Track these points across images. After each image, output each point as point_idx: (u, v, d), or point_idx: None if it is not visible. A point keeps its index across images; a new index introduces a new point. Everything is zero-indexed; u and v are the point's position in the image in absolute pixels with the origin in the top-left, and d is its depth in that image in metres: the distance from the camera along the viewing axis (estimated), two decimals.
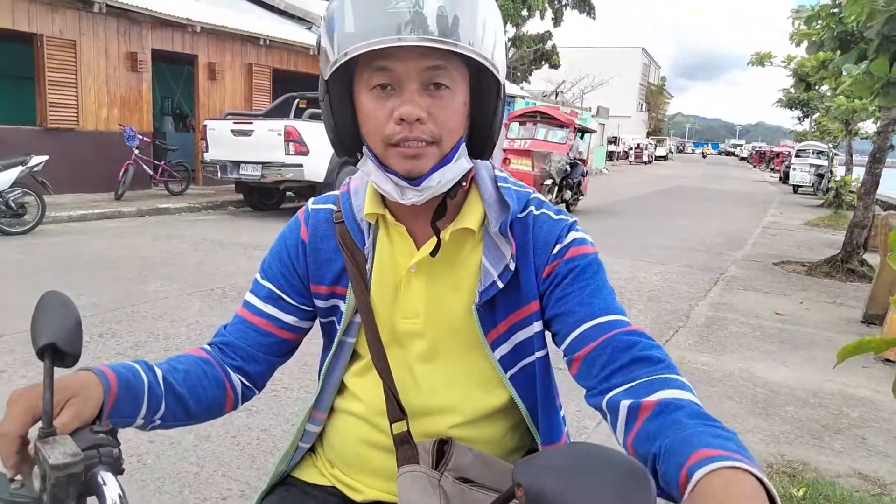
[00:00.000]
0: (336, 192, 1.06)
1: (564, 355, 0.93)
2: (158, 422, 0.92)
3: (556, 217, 0.99)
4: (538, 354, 0.98)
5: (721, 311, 5.86)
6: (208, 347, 1.04)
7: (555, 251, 0.95)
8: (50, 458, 0.66)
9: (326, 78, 0.87)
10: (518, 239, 0.96)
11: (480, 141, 0.93)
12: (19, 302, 4.72)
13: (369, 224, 1.00)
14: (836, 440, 3.33)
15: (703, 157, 72.82)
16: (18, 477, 0.74)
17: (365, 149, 0.91)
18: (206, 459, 2.74)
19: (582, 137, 14.91)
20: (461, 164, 0.90)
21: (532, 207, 0.99)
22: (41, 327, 0.75)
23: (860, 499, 2.57)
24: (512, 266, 0.95)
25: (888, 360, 4.55)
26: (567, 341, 0.92)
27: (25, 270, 5.94)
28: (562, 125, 13.86)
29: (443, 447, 0.96)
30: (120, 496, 0.69)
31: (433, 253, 0.95)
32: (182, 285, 5.56)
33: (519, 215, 0.97)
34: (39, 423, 0.72)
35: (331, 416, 1.08)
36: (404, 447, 0.96)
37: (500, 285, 0.95)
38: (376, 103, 0.85)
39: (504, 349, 0.98)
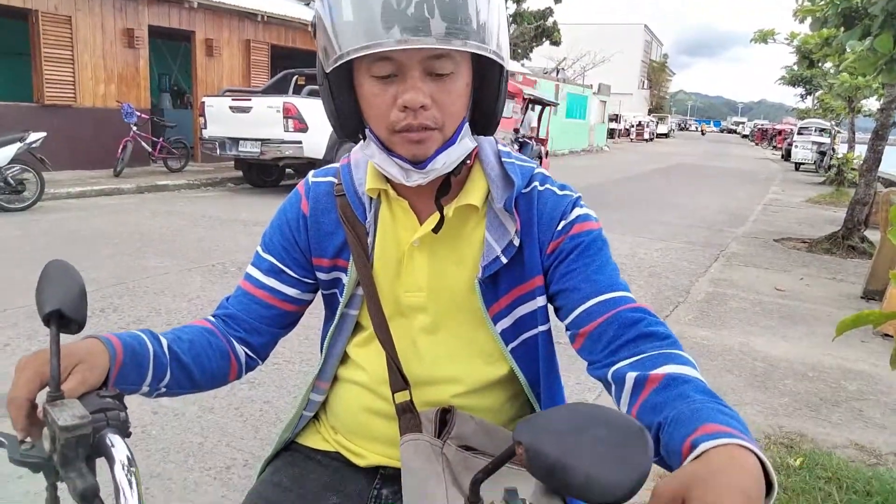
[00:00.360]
0: (336, 165, 1.06)
1: (567, 330, 0.94)
2: (164, 389, 0.93)
3: (560, 193, 0.99)
4: (541, 328, 0.99)
5: (721, 286, 5.88)
6: (212, 319, 1.05)
7: (559, 227, 0.95)
8: (59, 420, 0.67)
9: (328, 71, 0.85)
10: (522, 215, 0.96)
11: (484, 119, 0.92)
12: (20, 277, 4.73)
13: (371, 198, 0.99)
14: (834, 412, 3.35)
15: (703, 134, 72.52)
16: (29, 439, 0.75)
17: (368, 132, 0.91)
18: (209, 430, 2.76)
19: (533, 110, 13.14)
20: (465, 144, 0.90)
21: (536, 183, 0.99)
22: (46, 295, 0.76)
23: (856, 469, 2.60)
24: (516, 242, 0.95)
25: (887, 335, 4.57)
26: (571, 317, 0.92)
27: (25, 247, 5.94)
28: (509, 96, 12.91)
29: (445, 416, 0.97)
30: (129, 458, 0.69)
31: (436, 230, 0.95)
32: (182, 261, 5.56)
33: (523, 191, 0.97)
34: (48, 389, 0.73)
35: (334, 385, 1.09)
36: (407, 416, 0.97)
37: (504, 261, 0.95)
38: (379, 90, 0.84)
39: (506, 323, 0.98)
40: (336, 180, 1.03)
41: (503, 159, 0.98)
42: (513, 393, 1.04)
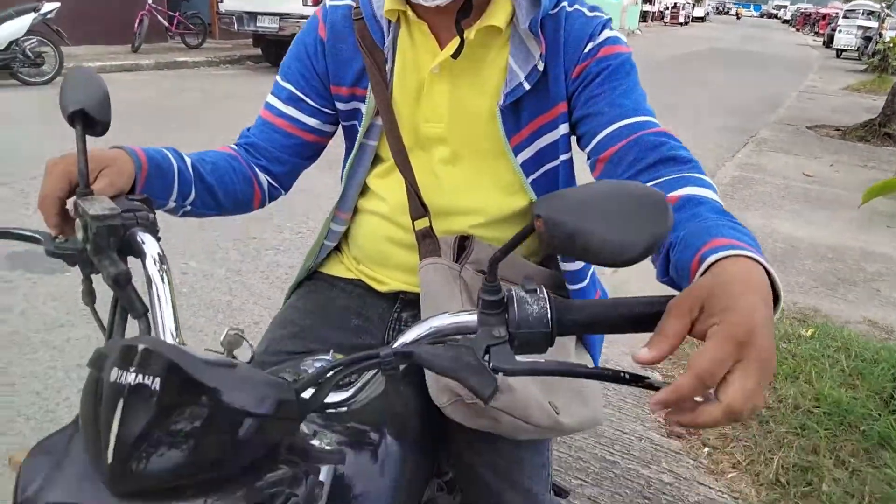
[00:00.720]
0: None
1: (589, 157, 0.93)
2: (189, 208, 0.95)
3: (590, 14, 0.94)
4: (562, 158, 0.97)
5: (748, 171, 5.77)
6: (234, 147, 1.06)
7: (586, 50, 0.92)
8: (90, 210, 0.69)
9: None
10: (548, 37, 0.92)
11: None
12: (39, 151, 4.77)
13: (389, 21, 0.96)
14: (851, 291, 3.38)
15: (738, 18, 68.52)
16: (61, 237, 0.78)
17: None
18: (237, 290, 2.87)
19: None
20: None
21: (565, 3, 0.94)
22: (70, 96, 0.76)
23: (866, 341, 2.65)
24: (540, 66, 0.92)
25: None
26: (594, 142, 0.91)
27: (46, 119, 5.95)
28: None
29: (464, 243, 0.99)
30: (160, 255, 0.72)
31: (455, 54, 0.92)
32: (204, 136, 5.56)
33: (550, 12, 0.93)
34: (78, 187, 0.74)
35: (355, 216, 1.10)
36: (426, 241, 0.99)
37: (527, 87, 0.92)
38: None
39: (527, 154, 0.97)
40: (354, 3, 1.00)
41: None
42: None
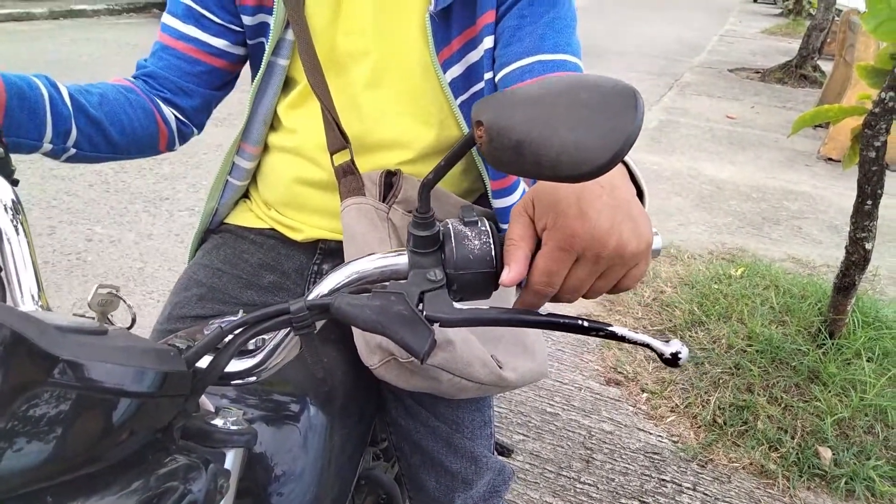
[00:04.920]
0: None
1: (496, 87, 0.83)
2: (73, 150, 0.79)
3: None
4: (486, 77, 0.85)
5: (674, 115, 5.82)
6: (131, 79, 0.89)
7: None
8: None
9: None
10: None
11: None
12: None
13: None
14: (775, 230, 3.46)
15: None
16: None
17: None
18: (149, 255, 2.66)
19: None
20: None
21: None
22: None
23: (792, 277, 2.70)
24: None
25: (830, 159, 4.66)
26: (504, 71, 0.81)
27: None
28: None
29: (390, 179, 0.86)
30: (14, 203, 0.59)
31: None
32: None
33: None
34: None
35: (265, 154, 0.96)
36: (348, 178, 0.85)
37: None
38: None
39: (455, 71, 0.85)
40: None
41: None
42: (464, 165, 0.93)
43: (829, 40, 8.40)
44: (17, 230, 0.57)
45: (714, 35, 12.17)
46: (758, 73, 8.11)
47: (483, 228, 0.51)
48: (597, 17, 12.96)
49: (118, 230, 2.82)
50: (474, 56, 0.85)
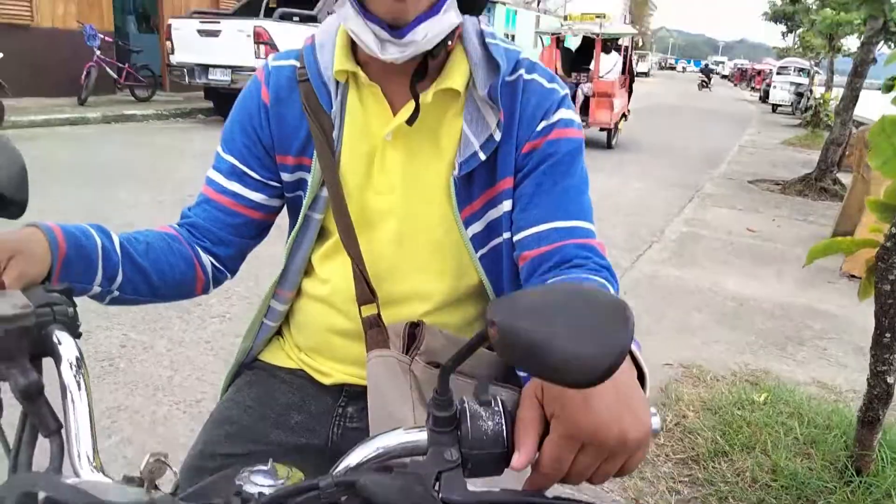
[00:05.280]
0: (298, 47, 0.96)
1: (514, 247, 0.91)
2: (117, 293, 0.86)
3: (548, 85, 0.91)
4: (505, 235, 0.93)
5: (695, 226, 5.91)
6: (176, 227, 0.98)
7: (539, 128, 0.89)
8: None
9: None
10: (505, 106, 0.88)
11: None
12: None
13: (338, 83, 0.90)
14: (799, 351, 3.44)
15: (683, 71, 72.07)
16: None
17: None
18: (179, 363, 2.73)
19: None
20: (450, 17, 0.81)
21: (522, 71, 0.91)
22: None
23: (817, 404, 2.67)
24: (497, 136, 0.88)
25: (853, 276, 4.66)
26: (521, 235, 0.89)
27: None
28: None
29: (413, 330, 0.92)
30: (77, 358, 0.63)
31: (410, 120, 0.87)
32: (152, 194, 5.41)
33: (508, 78, 0.89)
34: None
35: (298, 297, 1.03)
36: (374, 331, 0.92)
37: (483, 157, 0.88)
38: None
39: (476, 228, 0.92)
40: (299, 63, 0.93)
41: (487, 40, 0.89)
42: (481, 309, 1.00)
43: (847, 153, 8.56)
44: (79, 385, 0.61)
45: (734, 145, 12.48)
46: (778, 184, 8.26)
47: (496, 409, 0.56)
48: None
49: (151, 336, 2.92)
50: (494, 213, 0.92)
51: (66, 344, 0.63)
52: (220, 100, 10.42)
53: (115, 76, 10.82)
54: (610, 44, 10.88)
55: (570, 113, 0.91)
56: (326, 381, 1.01)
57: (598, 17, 10.73)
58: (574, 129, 0.91)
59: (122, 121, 9.48)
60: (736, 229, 5.91)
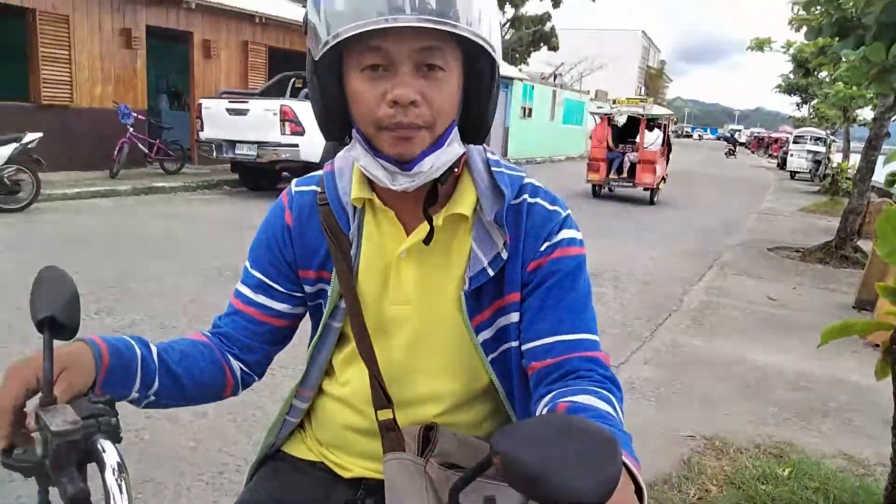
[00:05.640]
0: (320, 173, 1.04)
1: (522, 356, 0.97)
2: (153, 398, 0.93)
3: (550, 208, 0.98)
4: (514, 343, 0.99)
5: (714, 295, 5.90)
6: (208, 333, 1.06)
7: (543, 248, 0.95)
8: (51, 426, 0.68)
9: (317, 59, 0.84)
10: (510, 228, 0.95)
11: (474, 125, 0.90)
12: (15, 279, 4.72)
13: (355, 208, 0.98)
14: (824, 422, 3.38)
15: (700, 139, 73.16)
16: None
17: (354, 132, 0.89)
18: (203, 435, 2.77)
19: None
20: (454, 148, 0.88)
21: (526, 195, 0.98)
22: (40, 301, 0.77)
23: (843, 479, 2.62)
24: (504, 255, 0.95)
25: (877, 346, 4.60)
26: (529, 346, 0.95)
27: (21, 248, 5.94)
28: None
29: (428, 433, 0.98)
30: (119, 464, 0.70)
31: (426, 241, 0.94)
32: (179, 264, 5.57)
33: (512, 202, 0.97)
34: (40, 394, 0.74)
35: (319, 396, 1.09)
36: (390, 434, 0.98)
37: (491, 273, 0.95)
38: (368, 85, 0.83)
39: (487, 334, 0.98)
40: (319, 189, 1.02)
41: (492, 168, 0.97)
42: (493, 407, 1.05)
43: (867, 220, 8.56)
44: (120, 489, 0.68)
45: (752, 213, 12.51)
46: (798, 252, 8.24)
47: None
48: (636, 196, 13.55)
49: (175, 409, 2.96)
50: (503, 321, 0.98)
51: (109, 451, 0.70)
52: (246, 173, 10.79)
53: (146, 151, 11.28)
54: (653, 122, 13.32)
55: (571, 232, 0.98)
56: (346, 474, 1.06)
57: (641, 101, 14.02)
58: (576, 247, 0.97)
59: (151, 193, 9.82)
60: (756, 298, 5.89)
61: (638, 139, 13.13)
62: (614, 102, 14.58)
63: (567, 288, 0.95)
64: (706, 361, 4.18)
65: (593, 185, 13.37)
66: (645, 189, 12.90)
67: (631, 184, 12.89)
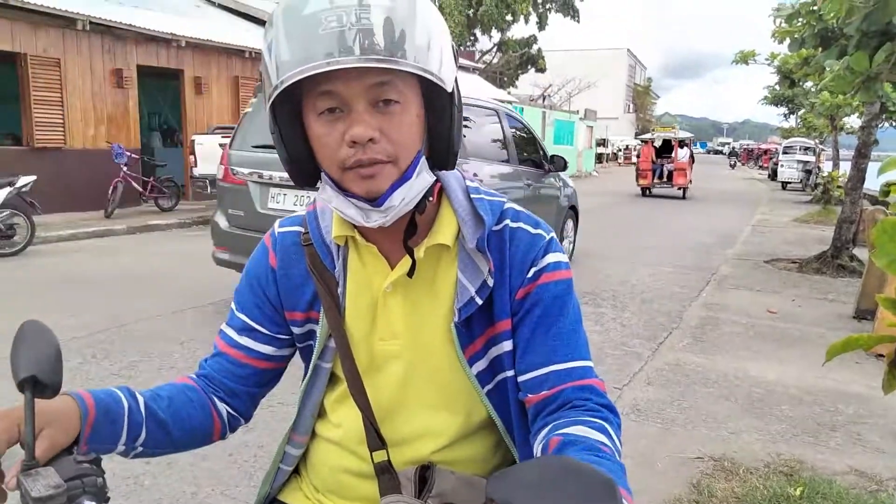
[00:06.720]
0: (302, 213, 1.04)
1: (518, 387, 0.95)
2: (140, 448, 0.91)
3: (533, 232, 0.97)
4: (509, 373, 0.97)
5: (714, 310, 5.89)
6: (194, 376, 1.04)
7: (530, 274, 0.95)
8: (32, 491, 0.67)
9: (269, 107, 0.84)
10: (494, 254, 0.94)
11: (441, 152, 0.89)
12: (8, 326, 4.67)
13: (339, 246, 0.97)
14: (832, 438, 3.34)
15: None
16: None
17: (323, 175, 0.89)
18: (203, 478, 2.72)
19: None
20: (423, 178, 0.87)
21: (508, 220, 0.97)
22: (21, 359, 0.76)
23: (857, 496, 2.58)
24: (490, 282, 0.94)
25: (881, 355, 4.58)
26: (524, 377, 0.94)
27: (16, 292, 5.90)
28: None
29: (424, 473, 0.95)
30: None
31: (410, 273, 0.93)
32: (175, 302, 5.53)
33: (494, 228, 0.96)
34: (22, 458, 0.72)
35: (312, 439, 1.07)
36: (385, 476, 0.96)
37: (479, 302, 0.93)
38: (326, 128, 0.82)
39: (481, 365, 0.97)
40: (303, 229, 1.01)
41: (472, 195, 0.96)
42: (493, 442, 1.03)
43: (861, 228, 8.59)
44: None
45: (746, 225, 12.55)
46: (794, 263, 8.25)
47: None
48: (632, 213, 13.60)
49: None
50: (496, 351, 0.97)
51: None
52: None
53: (140, 189, 11.28)
54: (682, 142, 19.38)
55: (557, 256, 0.97)
56: None
57: (672, 129, 21.03)
58: (562, 270, 0.96)
59: (146, 231, 9.81)
60: (755, 312, 5.88)
61: (673, 154, 19.14)
62: (653, 131, 21.70)
63: (556, 314, 0.94)
64: (709, 379, 4.15)
65: (642, 188, 19.20)
66: (678, 188, 18.87)
67: (669, 185, 18.99)
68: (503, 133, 6.27)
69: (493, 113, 6.23)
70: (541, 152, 7.04)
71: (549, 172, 7.02)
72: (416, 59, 0.78)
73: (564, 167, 7.14)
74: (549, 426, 0.87)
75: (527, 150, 6.78)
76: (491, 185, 5.04)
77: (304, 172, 0.91)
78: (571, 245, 7.83)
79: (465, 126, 5.92)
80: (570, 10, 30.64)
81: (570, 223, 7.66)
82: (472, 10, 27.06)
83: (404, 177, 0.85)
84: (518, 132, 6.68)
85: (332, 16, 0.75)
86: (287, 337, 1.04)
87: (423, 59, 0.79)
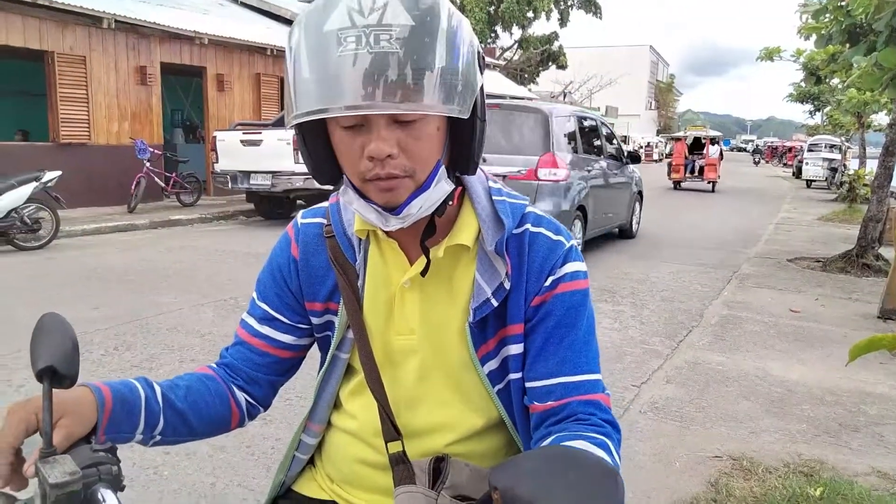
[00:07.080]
0: (325, 205, 1.05)
1: (525, 393, 0.95)
2: (158, 437, 0.93)
3: (554, 238, 0.97)
4: (516, 375, 0.98)
5: (735, 309, 5.82)
6: (214, 366, 1.06)
7: (547, 283, 0.94)
8: (49, 478, 0.68)
9: (287, 127, 0.85)
10: (513, 257, 0.95)
11: (463, 159, 0.89)
12: (33, 318, 4.76)
13: (360, 239, 0.99)
14: (854, 438, 3.29)
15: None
16: (20, 496, 0.76)
17: (345, 178, 0.90)
18: (221, 470, 2.76)
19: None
20: (441, 188, 0.87)
21: (529, 224, 0.97)
22: (39, 350, 0.77)
23: (879, 497, 2.54)
24: (507, 285, 0.94)
25: None
26: (531, 384, 0.94)
27: (41, 285, 6.01)
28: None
29: (438, 465, 0.96)
30: None
31: (423, 273, 0.94)
32: (195, 296, 5.60)
33: (515, 231, 0.96)
34: (40, 446, 0.73)
35: (328, 430, 1.08)
36: (400, 467, 0.96)
37: (495, 304, 0.94)
38: (347, 140, 0.83)
39: (493, 365, 0.97)
40: (325, 221, 1.02)
41: (494, 197, 0.96)
42: (505, 440, 1.03)
43: (888, 227, 8.43)
44: None
45: (770, 223, 12.37)
46: (818, 262, 8.12)
47: None
48: (653, 210, 13.48)
49: (195, 443, 2.95)
50: (507, 352, 0.97)
51: (109, 501, 0.71)
52: (261, 202, 10.90)
53: (163, 185, 11.44)
54: (713, 140, 20.78)
55: (576, 265, 0.96)
56: None
57: (703, 127, 23.04)
58: (580, 280, 0.96)
59: (168, 226, 9.94)
60: (778, 311, 5.80)
61: (705, 150, 20.53)
62: (686, 129, 23.84)
63: (570, 325, 0.94)
64: (729, 378, 4.10)
65: (674, 182, 20.57)
66: (708, 182, 20.13)
67: (699, 179, 20.27)
68: (601, 136, 8.95)
69: (595, 121, 8.99)
70: (620, 148, 9.49)
71: (626, 164, 9.42)
72: (437, 92, 0.76)
73: (638, 160, 9.89)
74: (552, 437, 0.88)
75: (611, 147, 9.25)
76: (594, 174, 8.05)
77: (326, 174, 0.92)
78: (637, 225, 10.09)
79: (585, 132, 8.38)
80: (591, 7, 30.44)
81: (637, 205, 9.97)
82: (492, 7, 27.00)
83: (423, 187, 0.85)
84: (608, 135, 9.32)
85: (352, 36, 0.74)
86: (307, 327, 1.05)
87: (444, 92, 0.77)
